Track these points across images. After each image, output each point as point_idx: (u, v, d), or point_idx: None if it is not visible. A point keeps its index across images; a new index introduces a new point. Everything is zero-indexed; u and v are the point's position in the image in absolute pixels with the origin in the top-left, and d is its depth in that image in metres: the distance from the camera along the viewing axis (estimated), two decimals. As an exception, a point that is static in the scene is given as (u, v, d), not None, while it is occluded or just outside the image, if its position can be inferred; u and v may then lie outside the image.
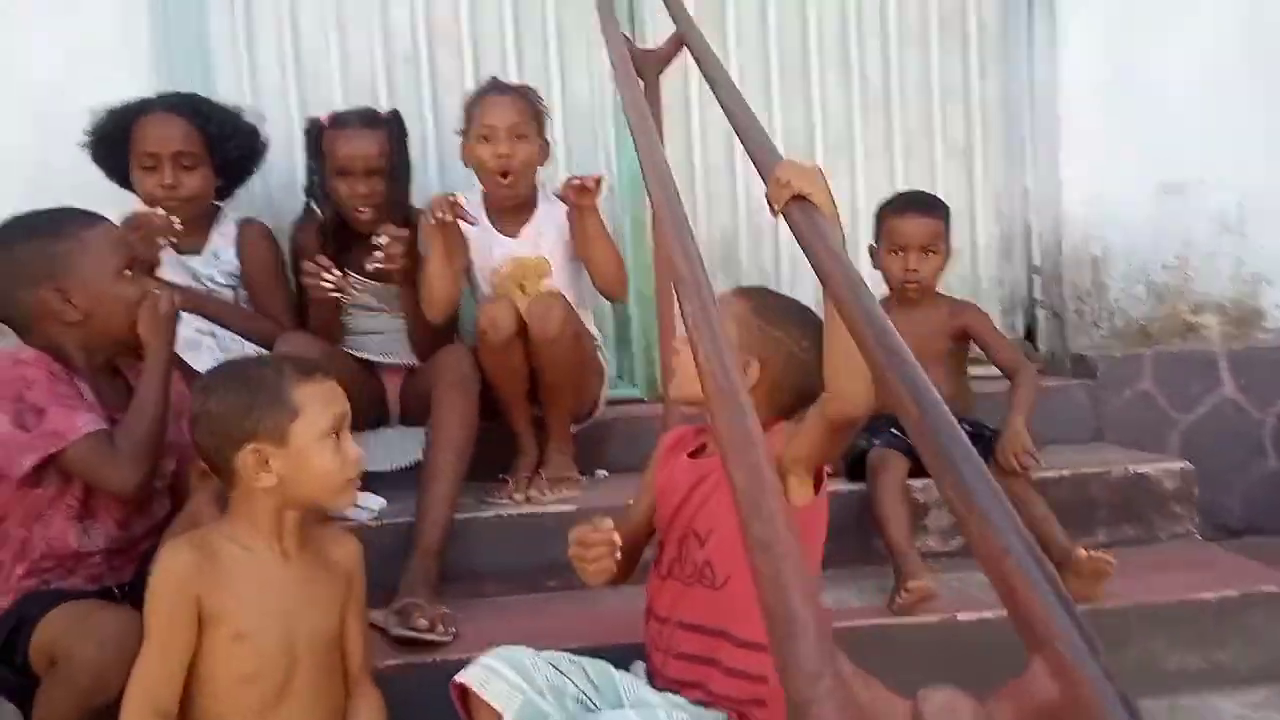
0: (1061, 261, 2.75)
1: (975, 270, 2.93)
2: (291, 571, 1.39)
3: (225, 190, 2.25)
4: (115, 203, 2.13)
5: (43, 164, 2.22)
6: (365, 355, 2.22)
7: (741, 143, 1.56)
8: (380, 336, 2.27)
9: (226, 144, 2.17)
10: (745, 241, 2.84)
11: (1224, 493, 2.64)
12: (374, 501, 1.98)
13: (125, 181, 2.14)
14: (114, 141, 2.10)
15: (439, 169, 2.64)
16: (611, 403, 2.45)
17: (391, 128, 2.21)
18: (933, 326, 2.33)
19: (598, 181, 2.14)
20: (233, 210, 2.27)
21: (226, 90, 2.52)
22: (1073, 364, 2.73)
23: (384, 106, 2.60)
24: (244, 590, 1.34)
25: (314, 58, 2.61)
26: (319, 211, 2.22)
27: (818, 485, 1.44)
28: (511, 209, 2.24)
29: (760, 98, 2.80)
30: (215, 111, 2.18)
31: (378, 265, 2.04)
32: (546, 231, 2.25)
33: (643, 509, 1.58)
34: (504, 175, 2.16)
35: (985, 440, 2.15)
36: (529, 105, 2.20)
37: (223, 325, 2.08)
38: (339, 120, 2.18)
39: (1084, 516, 2.20)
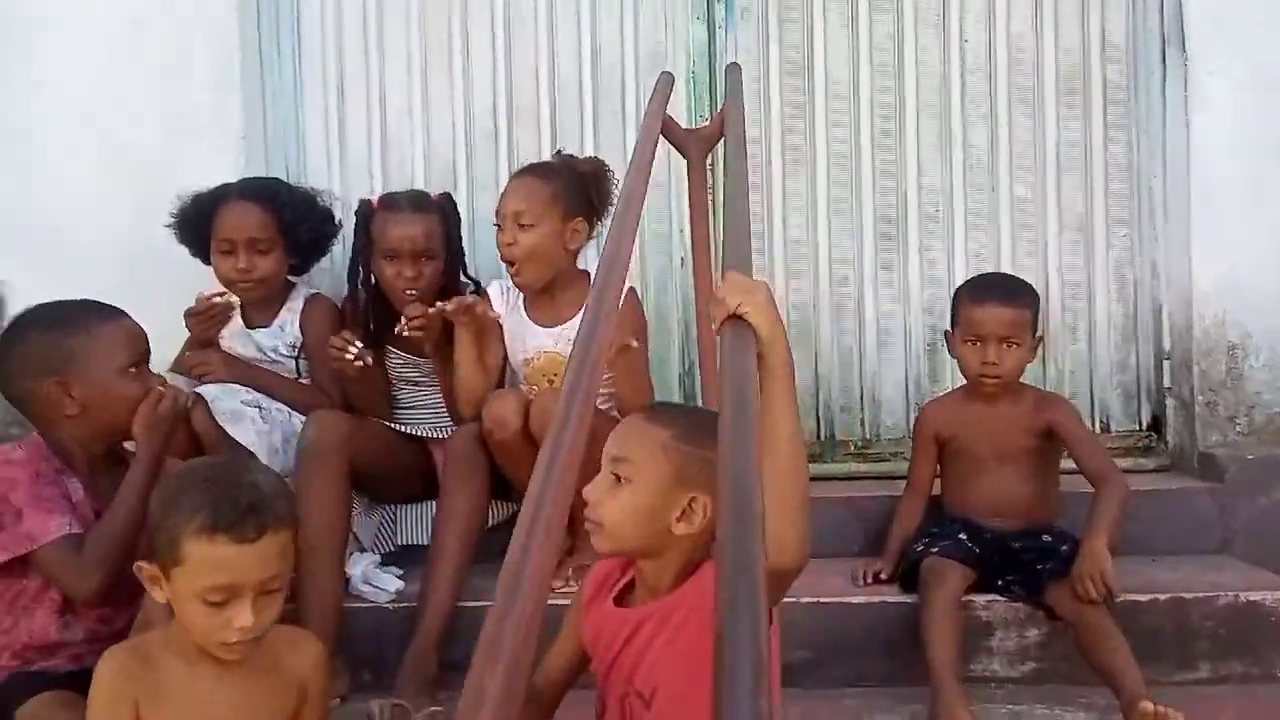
0: (1192, 347, 2.45)
1: (1093, 353, 2.66)
2: (229, 683, 1.35)
3: (300, 269, 2.36)
4: (210, 278, 2.30)
5: (144, 243, 2.38)
6: (413, 430, 2.25)
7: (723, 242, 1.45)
8: (428, 411, 2.31)
9: (299, 228, 2.27)
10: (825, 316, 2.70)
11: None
12: (392, 583, 1.98)
13: (209, 259, 2.28)
14: (196, 226, 2.24)
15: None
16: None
17: (443, 210, 2.25)
18: (1012, 422, 2.12)
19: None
20: (308, 287, 2.37)
21: (317, 167, 2.68)
22: (1200, 464, 2.41)
23: (464, 184, 2.71)
24: (177, 703, 1.32)
25: (400, 137, 2.72)
26: (360, 291, 2.27)
27: None
28: (547, 296, 2.21)
29: (849, 165, 2.67)
30: (290, 197, 2.29)
31: (407, 332, 2.09)
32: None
33: (565, 655, 1.39)
34: (510, 264, 2.15)
35: (1063, 557, 1.93)
36: (546, 186, 2.13)
37: (269, 395, 2.16)
38: (388, 203, 2.24)
39: (1182, 646, 1.93)
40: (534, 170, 2.22)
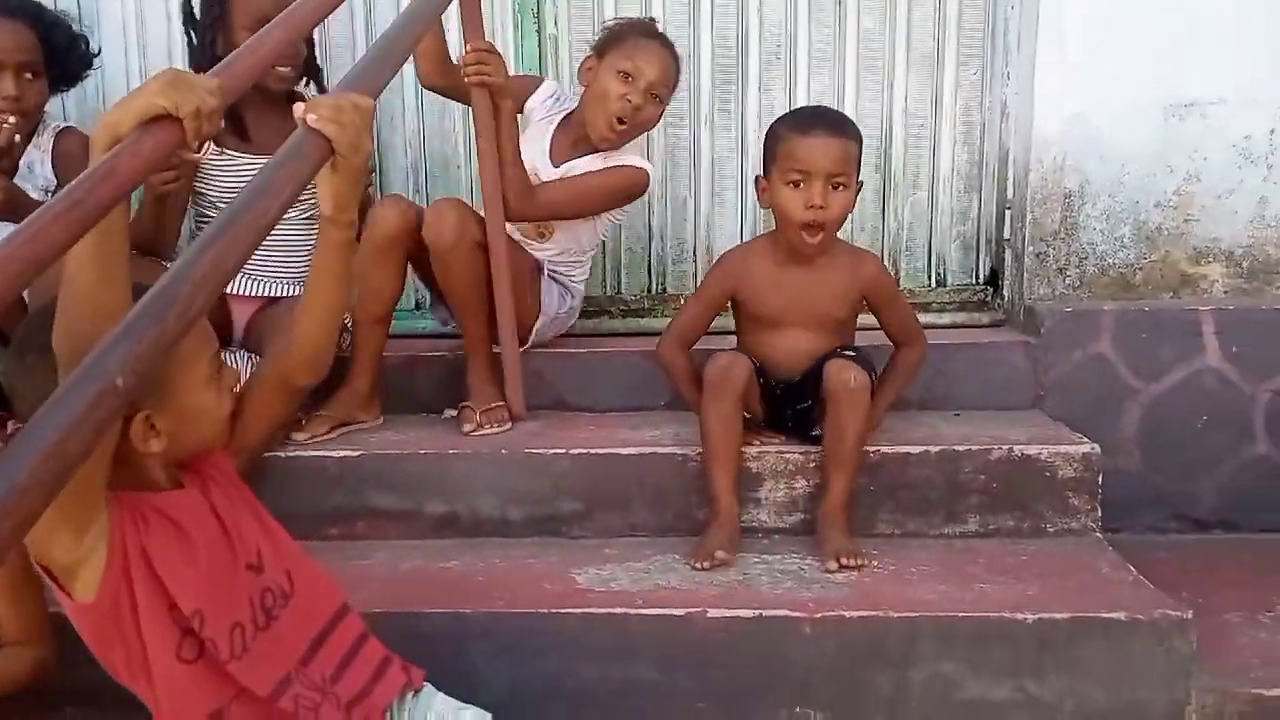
0: (1028, 195, 2.31)
1: (934, 202, 2.54)
2: None
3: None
4: None
5: None
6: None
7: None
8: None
9: (68, 55, 2.07)
10: (658, 161, 2.55)
11: (1193, 479, 2.20)
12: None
13: None
14: None
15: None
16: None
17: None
18: (825, 288, 1.94)
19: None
20: (55, 121, 2.16)
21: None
22: (1024, 317, 2.32)
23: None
24: None
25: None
26: None
27: None
28: (574, 142, 2.22)
29: (684, -3, 2.49)
30: (56, 20, 2.08)
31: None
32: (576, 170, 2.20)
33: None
34: (621, 123, 2.15)
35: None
36: (674, 64, 2.19)
37: None
38: None
39: (952, 500, 1.88)
40: (667, 44, 2.19)
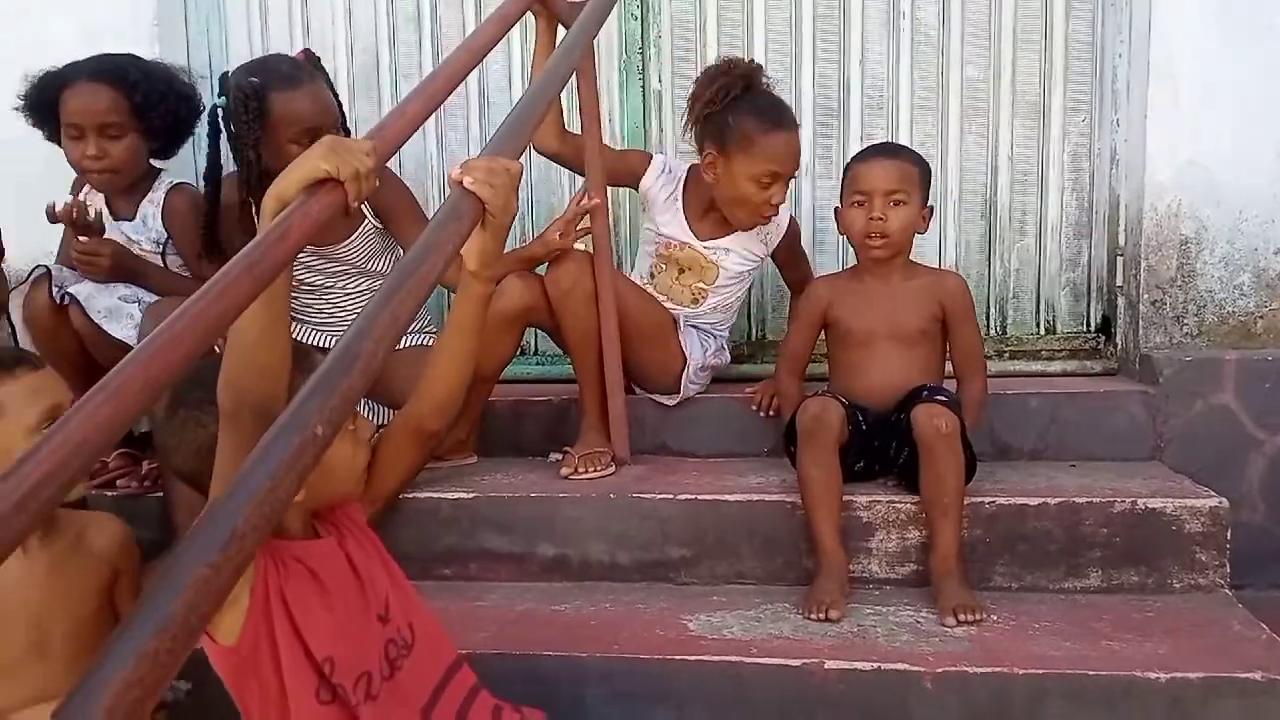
0: (1142, 241, 2.27)
1: (1042, 249, 2.51)
2: (35, 568, 1.39)
3: (163, 154, 2.25)
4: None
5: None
6: (312, 338, 2.26)
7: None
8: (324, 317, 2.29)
9: (152, 111, 2.13)
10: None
11: (1320, 537, 2.11)
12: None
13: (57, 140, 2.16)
14: (42, 109, 2.12)
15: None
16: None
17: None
18: (904, 298, 2.02)
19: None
20: (171, 177, 2.25)
21: (240, 56, 2.62)
22: (1140, 366, 2.27)
23: (386, 66, 2.64)
24: None
25: (322, 20, 2.65)
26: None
27: None
28: (704, 212, 2.24)
29: (788, 43, 2.52)
30: (143, 76, 2.13)
31: None
32: (736, 250, 2.25)
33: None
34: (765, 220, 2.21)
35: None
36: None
37: (154, 290, 2.10)
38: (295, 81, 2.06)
39: (1073, 554, 1.83)
40: (792, 125, 2.16)
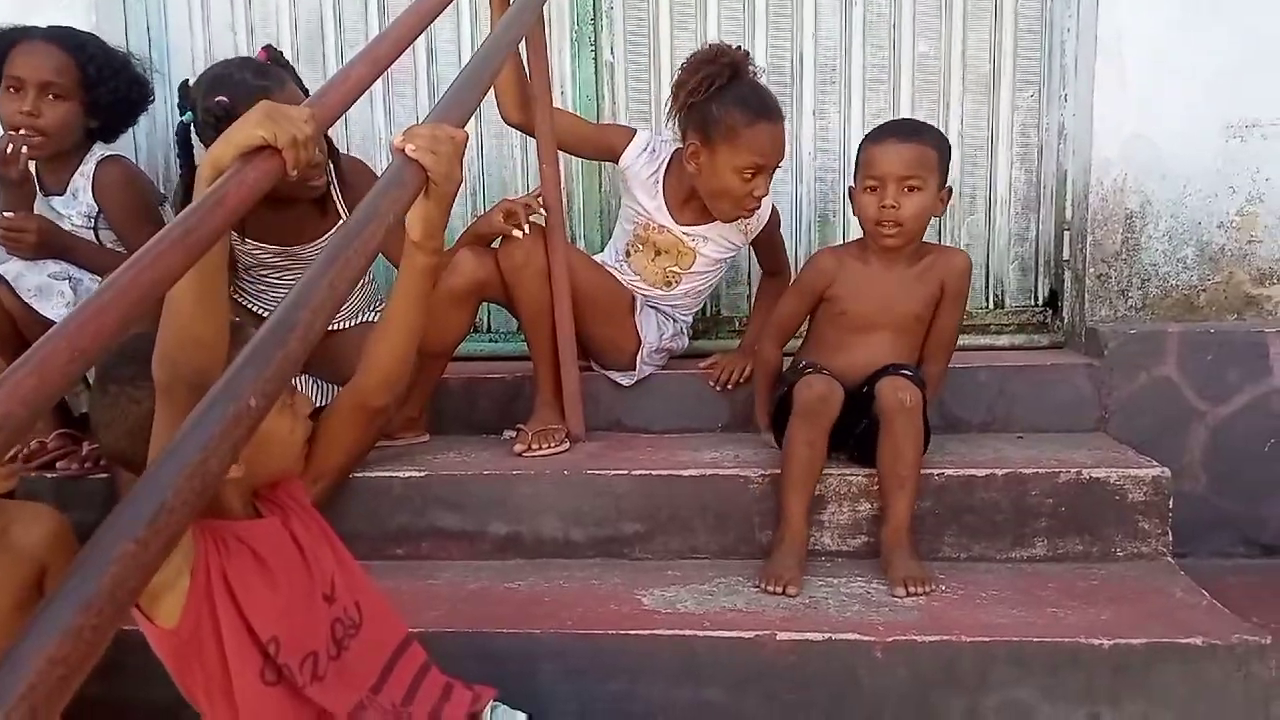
0: (1088, 216, 2.30)
1: (992, 223, 2.53)
2: None
3: (106, 135, 2.20)
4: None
5: None
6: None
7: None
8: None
9: (100, 86, 2.10)
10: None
11: (1260, 503, 2.16)
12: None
13: None
14: None
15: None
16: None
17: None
18: (908, 284, 1.96)
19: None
20: (103, 148, 2.20)
21: (179, 24, 2.56)
22: (1086, 339, 2.30)
23: (331, 40, 2.58)
24: None
25: None
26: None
27: None
28: (685, 200, 2.20)
29: (740, 16, 2.51)
30: (100, 53, 2.12)
31: None
32: (714, 239, 2.22)
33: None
34: (749, 212, 2.17)
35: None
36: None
37: (85, 267, 2.06)
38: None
39: (1019, 523, 1.86)
40: (779, 117, 2.09)
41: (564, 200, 2.26)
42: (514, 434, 2.17)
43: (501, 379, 2.30)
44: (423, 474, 1.95)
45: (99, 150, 2.18)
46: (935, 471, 1.86)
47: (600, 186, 2.60)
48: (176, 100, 2.00)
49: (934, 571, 1.76)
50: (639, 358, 2.21)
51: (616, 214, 2.58)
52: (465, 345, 2.39)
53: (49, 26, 2.11)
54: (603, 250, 2.39)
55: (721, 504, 1.90)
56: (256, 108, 1.08)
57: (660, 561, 1.90)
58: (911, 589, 1.69)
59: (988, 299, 2.54)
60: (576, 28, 2.54)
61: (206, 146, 1.94)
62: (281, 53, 2.07)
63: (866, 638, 1.56)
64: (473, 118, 2.51)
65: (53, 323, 1.84)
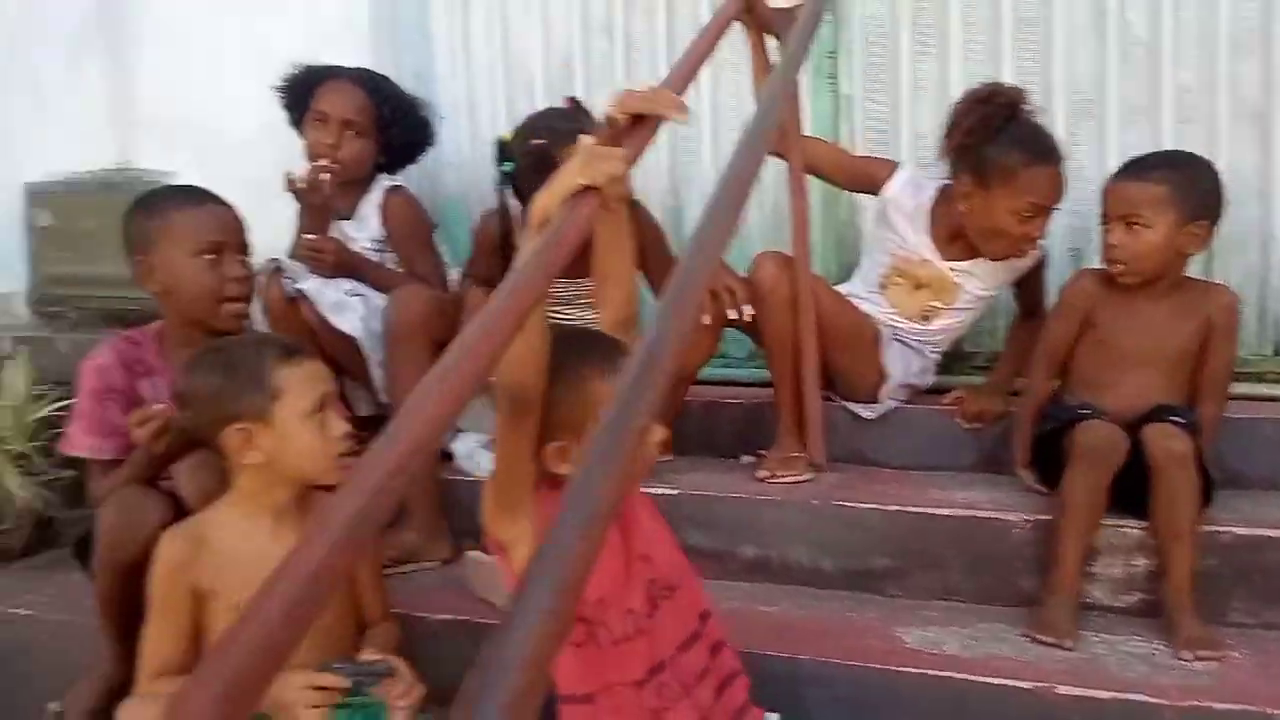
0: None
1: (1268, 264, 2.36)
2: (284, 546, 1.45)
3: (391, 168, 2.39)
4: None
5: (290, 135, 2.43)
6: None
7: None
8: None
9: (393, 126, 2.31)
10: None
11: None
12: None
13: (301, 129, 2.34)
14: (298, 95, 2.32)
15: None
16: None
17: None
18: (1183, 324, 1.89)
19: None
20: (389, 179, 2.37)
21: (444, 68, 2.73)
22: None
23: (580, 78, 2.70)
24: (235, 568, 1.44)
25: (520, 31, 2.74)
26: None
27: None
28: (950, 235, 2.17)
29: (990, 43, 2.45)
30: (394, 95, 2.33)
31: None
32: (980, 276, 2.19)
33: None
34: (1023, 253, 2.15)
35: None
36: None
37: (375, 286, 2.20)
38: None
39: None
40: (1057, 159, 2.07)
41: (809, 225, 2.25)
42: (752, 459, 2.19)
43: (740, 404, 2.32)
44: (675, 492, 1.99)
45: (385, 180, 2.37)
46: (1221, 529, 1.75)
47: (838, 217, 2.58)
48: (494, 155, 2.18)
49: (1222, 636, 1.65)
50: (883, 391, 2.18)
51: (854, 245, 2.57)
52: (707, 370, 2.43)
53: (355, 68, 2.33)
54: (840, 281, 2.38)
55: (980, 547, 1.85)
56: (575, 156, 1.15)
57: (914, 600, 1.87)
58: (1200, 653, 1.58)
59: (1266, 345, 2.36)
60: (815, 61, 2.54)
61: (526, 189, 2.09)
62: (581, 102, 2.22)
63: (1158, 700, 1.48)
64: (706, 149, 2.63)
65: (347, 335, 2.08)
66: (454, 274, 2.39)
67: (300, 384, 1.45)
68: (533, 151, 2.04)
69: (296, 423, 1.43)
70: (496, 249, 2.22)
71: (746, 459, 2.22)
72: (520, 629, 0.60)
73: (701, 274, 1.03)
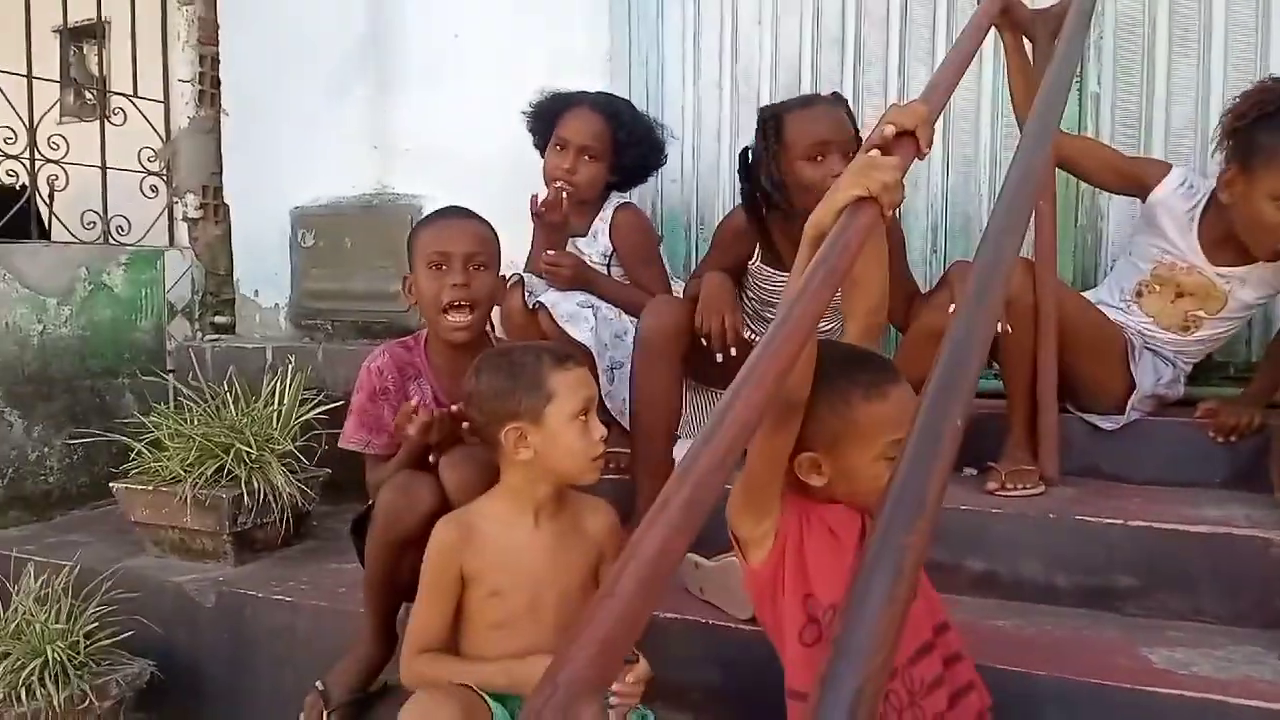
0: None
1: None
2: (541, 539, 1.59)
3: (622, 187, 2.50)
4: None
5: (531, 160, 2.54)
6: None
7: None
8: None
9: (628, 150, 2.42)
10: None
11: None
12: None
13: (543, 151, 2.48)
14: (544, 120, 2.46)
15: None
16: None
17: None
18: None
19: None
20: (619, 197, 2.48)
21: (673, 86, 2.85)
22: None
23: (807, 86, 2.76)
24: (497, 557, 1.57)
25: (748, 48, 2.81)
26: (769, 198, 2.15)
27: None
28: (1220, 240, 2.07)
29: (1251, 45, 2.32)
30: (631, 121, 2.44)
31: None
32: (1252, 282, 2.10)
33: None
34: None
35: None
36: None
37: (605, 298, 2.33)
38: (810, 101, 2.17)
39: None
40: None
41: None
42: (976, 471, 2.17)
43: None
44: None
45: (615, 198, 2.50)
46: None
47: (1076, 222, 2.51)
48: (737, 167, 2.21)
49: None
50: (1130, 402, 2.11)
51: (1093, 250, 2.50)
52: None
53: (595, 93, 2.47)
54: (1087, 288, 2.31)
55: (1234, 567, 1.76)
56: (850, 167, 1.20)
57: (1157, 620, 1.80)
58: None
59: None
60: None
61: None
62: (838, 93, 2.23)
63: None
64: (936, 148, 2.61)
65: (579, 343, 2.22)
66: (677, 285, 2.50)
67: (570, 388, 1.56)
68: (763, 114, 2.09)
69: (564, 424, 1.55)
70: (743, 238, 2.25)
71: (969, 471, 2.20)
72: (868, 616, 0.68)
73: (997, 280, 1.06)
